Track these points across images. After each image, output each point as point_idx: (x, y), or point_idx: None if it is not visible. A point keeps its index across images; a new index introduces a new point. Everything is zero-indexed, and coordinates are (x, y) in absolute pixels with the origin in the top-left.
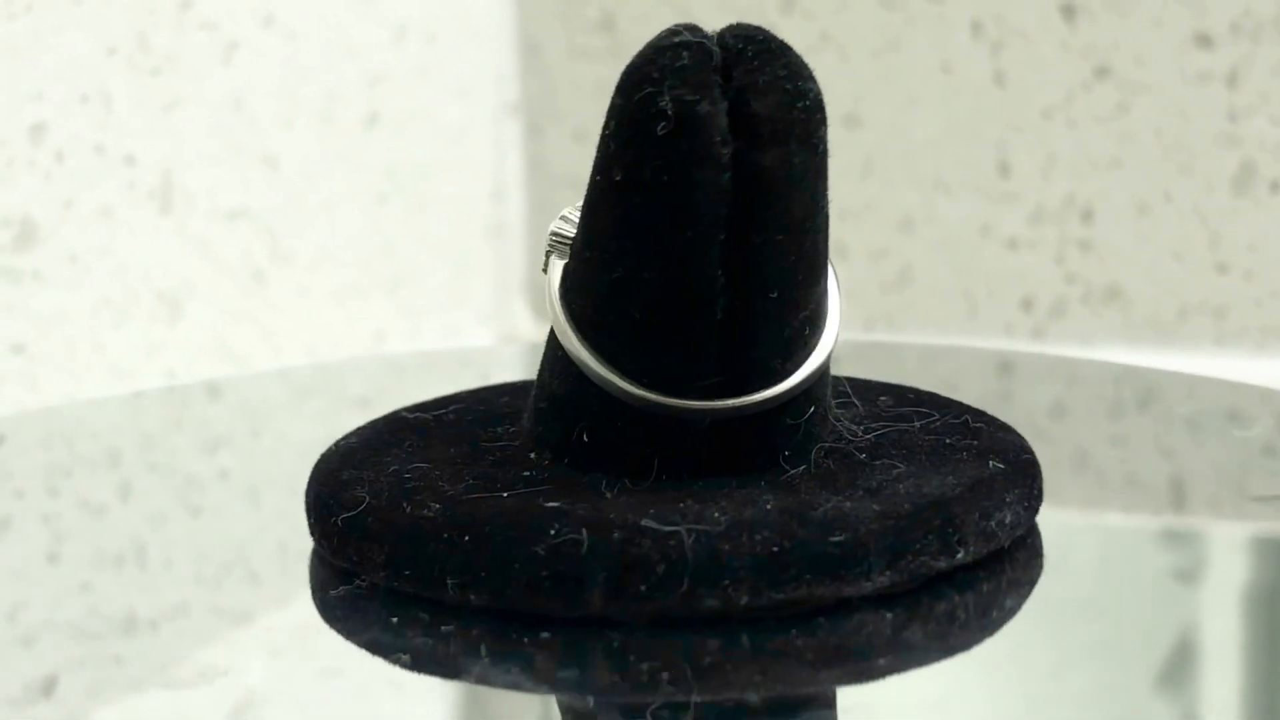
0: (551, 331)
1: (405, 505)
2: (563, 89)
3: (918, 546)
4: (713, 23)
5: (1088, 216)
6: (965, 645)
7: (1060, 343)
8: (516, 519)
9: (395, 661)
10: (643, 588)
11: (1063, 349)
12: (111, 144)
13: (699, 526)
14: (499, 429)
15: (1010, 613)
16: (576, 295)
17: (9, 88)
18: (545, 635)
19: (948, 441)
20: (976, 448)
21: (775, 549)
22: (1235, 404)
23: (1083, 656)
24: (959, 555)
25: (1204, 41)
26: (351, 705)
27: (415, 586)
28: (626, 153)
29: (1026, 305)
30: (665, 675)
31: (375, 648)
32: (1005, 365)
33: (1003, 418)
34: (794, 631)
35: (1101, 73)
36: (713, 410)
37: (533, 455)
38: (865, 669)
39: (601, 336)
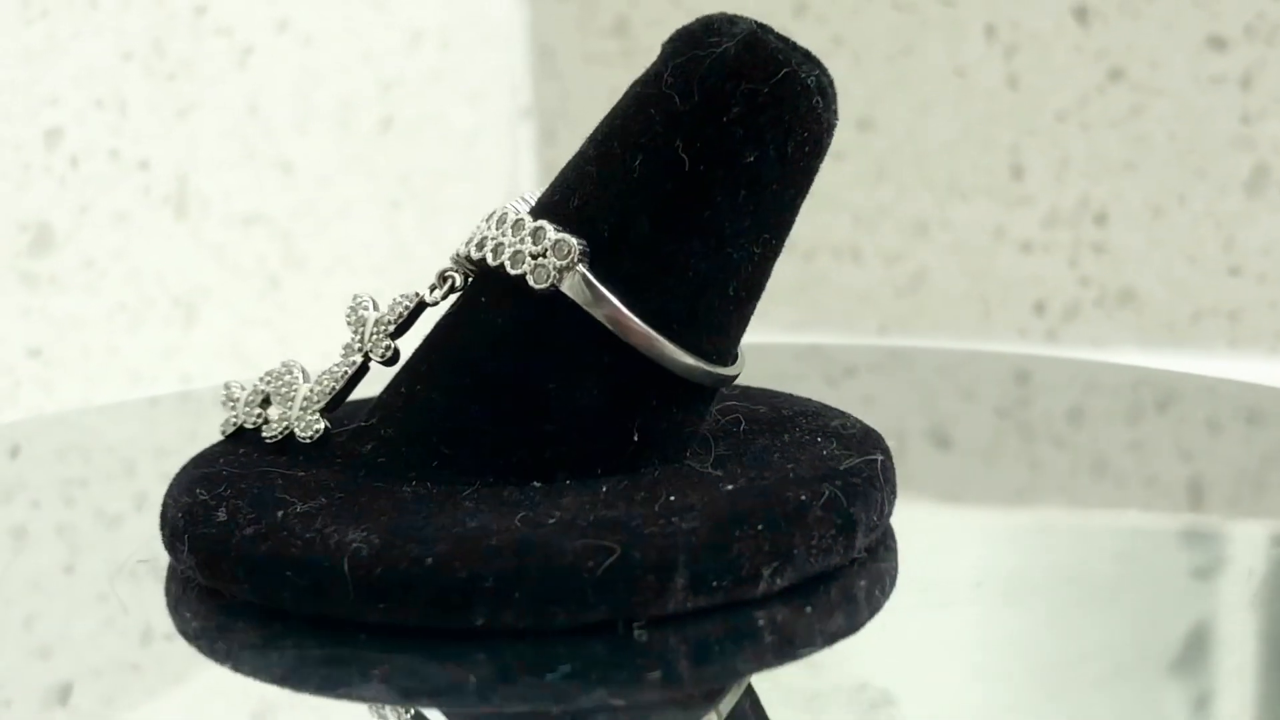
0: (558, 351)
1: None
2: (576, 94)
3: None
4: None
5: (1101, 219)
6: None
7: (1074, 346)
8: (768, 506)
9: None
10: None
11: (1076, 352)
12: (127, 149)
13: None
14: (414, 484)
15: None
16: (647, 291)
17: (25, 93)
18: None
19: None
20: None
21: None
22: (1253, 405)
23: (1099, 646)
24: None
25: (1217, 44)
26: (368, 717)
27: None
28: (770, 132)
29: (1040, 308)
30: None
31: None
32: (1019, 368)
33: (1017, 420)
34: None
35: (1115, 76)
36: (738, 372)
37: (537, 484)
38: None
39: (674, 324)
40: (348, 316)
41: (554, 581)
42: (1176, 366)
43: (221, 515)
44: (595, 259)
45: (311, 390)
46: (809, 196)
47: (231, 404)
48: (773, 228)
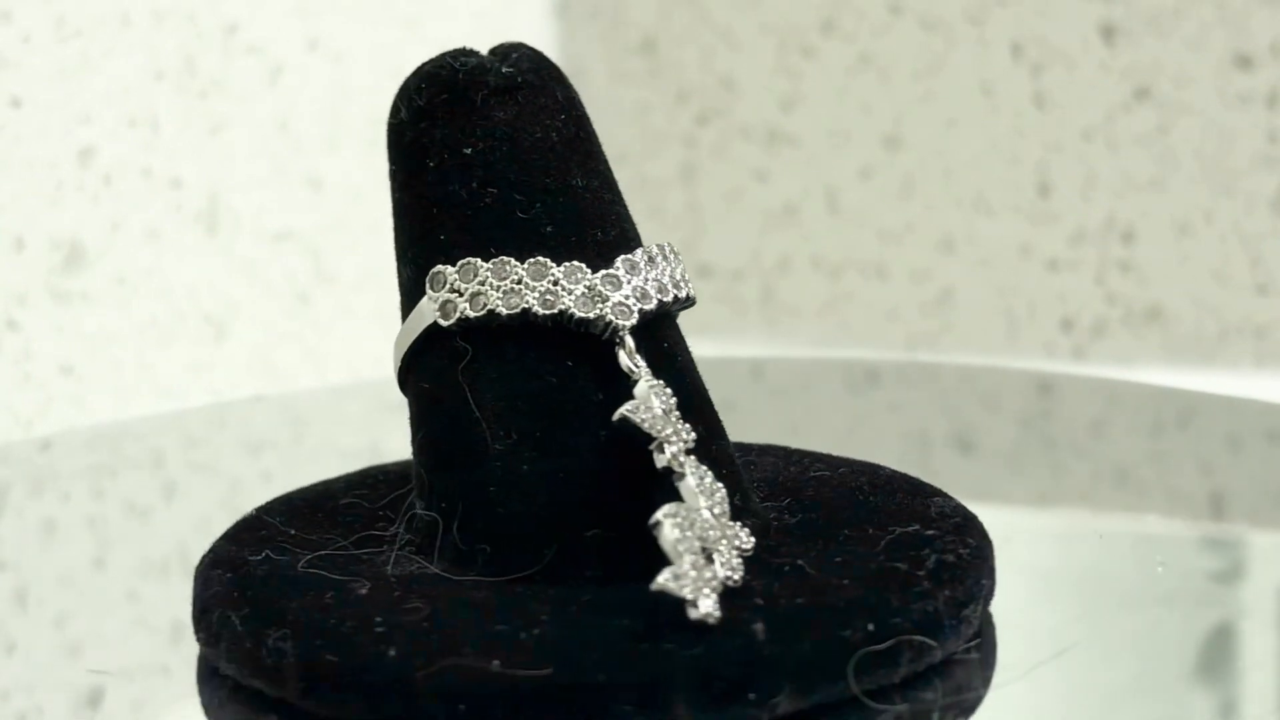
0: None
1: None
2: (604, 111)
3: None
4: (754, 41)
5: (1128, 237)
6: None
7: (1100, 363)
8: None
9: None
10: None
11: (1103, 369)
12: (159, 167)
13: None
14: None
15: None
16: None
17: (58, 111)
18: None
19: None
20: None
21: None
22: (1276, 424)
23: (1124, 650)
24: None
25: (1244, 63)
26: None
27: None
28: None
29: (1067, 326)
30: None
31: None
32: (1045, 385)
33: (1043, 438)
34: None
35: (1141, 94)
36: None
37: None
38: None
39: None
40: (648, 424)
41: None
42: (1203, 384)
43: None
44: None
45: (715, 510)
46: (833, 213)
47: (705, 588)
48: None
